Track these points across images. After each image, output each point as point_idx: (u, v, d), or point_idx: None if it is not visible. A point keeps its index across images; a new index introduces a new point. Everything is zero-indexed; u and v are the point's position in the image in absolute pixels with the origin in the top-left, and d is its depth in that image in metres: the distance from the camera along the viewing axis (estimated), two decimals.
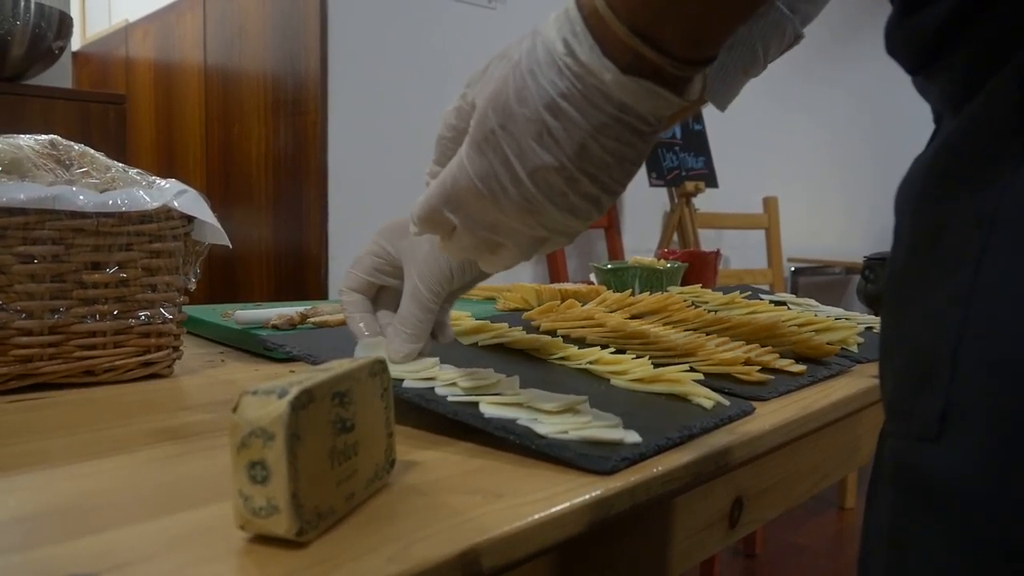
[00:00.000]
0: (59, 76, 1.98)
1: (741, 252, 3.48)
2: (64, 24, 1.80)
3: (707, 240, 3.06)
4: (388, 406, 0.42)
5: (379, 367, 0.41)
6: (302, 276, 2.10)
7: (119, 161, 0.72)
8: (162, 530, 0.36)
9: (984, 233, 0.32)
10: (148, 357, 0.68)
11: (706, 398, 0.57)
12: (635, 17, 0.38)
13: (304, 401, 0.34)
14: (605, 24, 0.38)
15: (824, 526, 2.72)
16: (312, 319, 0.83)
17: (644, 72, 0.39)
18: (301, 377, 0.36)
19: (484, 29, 2.36)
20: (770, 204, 3.16)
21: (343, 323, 0.83)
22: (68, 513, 0.38)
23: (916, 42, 0.38)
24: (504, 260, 0.47)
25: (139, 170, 0.71)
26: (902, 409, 0.36)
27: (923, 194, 0.37)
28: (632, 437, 0.48)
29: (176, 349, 0.70)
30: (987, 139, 0.33)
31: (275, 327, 0.81)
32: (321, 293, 2.03)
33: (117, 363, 0.66)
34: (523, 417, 0.49)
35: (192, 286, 0.72)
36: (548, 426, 0.47)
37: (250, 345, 0.80)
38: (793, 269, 3.68)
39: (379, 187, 2.15)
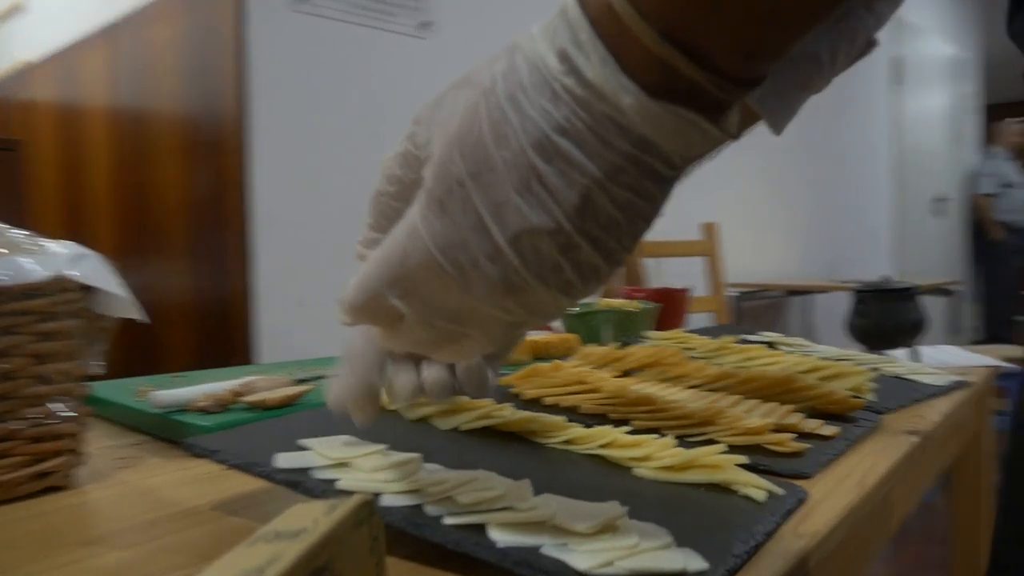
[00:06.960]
0: None
1: (683, 280, 3.42)
2: None
3: (647, 268, 2.99)
4: (380, 562, 0.30)
5: (365, 512, 0.29)
6: (227, 333, 1.92)
7: (15, 212, 0.58)
8: None
9: None
10: (41, 467, 0.53)
11: (755, 487, 0.47)
12: (670, 18, 0.27)
13: None
14: (624, 28, 0.27)
15: None
16: (247, 398, 0.70)
17: (677, 95, 0.28)
18: (261, 560, 0.23)
19: (414, 60, 2.25)
20: (710, 230, 3.12)
21: (283, 402, 0.70)
22: None
23: None
24: (466, 353, 0.35)
25: (26, 232, 0.57)
26: None
27: None
28: (695, 563, 0.36)
29: (77, 453, 0.56)
30: None
31: (202, 410, 0.67)
32: (248, 354, 1.86)
33: (1, 479, 0.52)
34: (548, 543, 0.37)
35: (100, 369, 0.58)
36: (584, 555, 0.36)
37: (171, 433, 0.66)
38: (739, 294, 3.65)
39: (311, 232, 2.00)
